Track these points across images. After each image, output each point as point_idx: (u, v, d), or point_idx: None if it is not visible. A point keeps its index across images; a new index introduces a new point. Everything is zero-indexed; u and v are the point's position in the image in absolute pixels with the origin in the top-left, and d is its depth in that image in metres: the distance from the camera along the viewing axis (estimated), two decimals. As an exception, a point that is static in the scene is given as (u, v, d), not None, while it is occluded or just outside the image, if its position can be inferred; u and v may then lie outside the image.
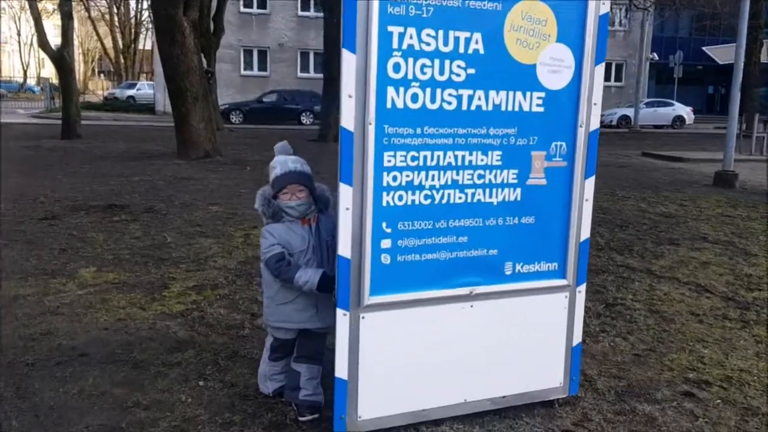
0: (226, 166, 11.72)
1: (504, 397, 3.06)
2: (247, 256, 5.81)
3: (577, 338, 3.17)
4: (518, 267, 3.00)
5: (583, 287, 3.14)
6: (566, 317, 3.13)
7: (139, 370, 3.45)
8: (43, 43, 16.64)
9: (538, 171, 2.96)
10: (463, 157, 2.81)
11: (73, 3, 59.74)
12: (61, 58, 16.76)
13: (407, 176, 2.71)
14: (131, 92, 47.91)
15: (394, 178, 2.69)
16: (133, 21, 61.68)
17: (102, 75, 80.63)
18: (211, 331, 4.03)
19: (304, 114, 33.93)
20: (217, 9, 20.19)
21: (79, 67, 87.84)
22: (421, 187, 2.74)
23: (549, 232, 3.02)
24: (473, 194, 2.85)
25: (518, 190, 2.94)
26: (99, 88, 64.91)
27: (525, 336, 3.04)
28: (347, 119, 2.58)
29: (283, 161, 3.05)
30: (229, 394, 3.21)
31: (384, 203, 2.68)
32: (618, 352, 3.83)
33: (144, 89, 47.76)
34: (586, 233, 3.08)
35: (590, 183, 3.06)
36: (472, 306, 2.91)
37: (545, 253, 3.04)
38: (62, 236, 6.44)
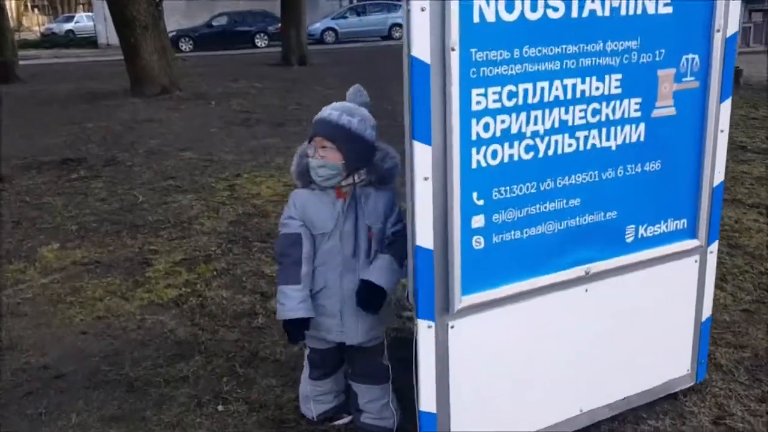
0: (188, 102, 10.58)
1: (624, 399, 2.36)
2: (238, 214, 4.94)
3: (707, 311, 2.46)
4: (641, 230, 2.23)
5: (715, 246, 2.40)
6: (696, 287, 2.40)
7: (136, 394, 2.65)
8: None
9: (665, 97, 2.14)
10: (574, 86, 1.97)
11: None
12: (-14, -7, 14.96)
13: (503, 122, 1.87)
14: (69, 26, 44.80)
15: (486, 127, 1.85)
16: (61, -54, 57.14)
17: (36, 10, 75.52)
18: (217, 323, 3.22)
19: (258, 36, 32.03)
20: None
21: (10, 4, 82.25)
22: (520, 136, 1.91)
23: (677, 180, 2.24)
24: (586, 138, 2.04)
25: (641, 127, 2.13)
26: (35, 24, 60.80)
27: (647, 318, 2.31)
28: (419, 44, 1.71)
29: (330, 108, 2.19)
30: (261, 420, 2.45)
31: (474, 164, 1.86)
32: (721, 308, 3.16)
33: (83, 21, 44.65)
34: (720, 176, 2.31)
35: (726, 108, 2.26)
36: (586, 290, 2.15)
37: (672, 207, 2.27)
38: (13, 204, 5.46)
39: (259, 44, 32.00)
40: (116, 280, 3.80)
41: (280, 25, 32.80)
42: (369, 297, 2.09)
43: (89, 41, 36.47)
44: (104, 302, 3.51)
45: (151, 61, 11.26)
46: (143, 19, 11.06)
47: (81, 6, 60.73)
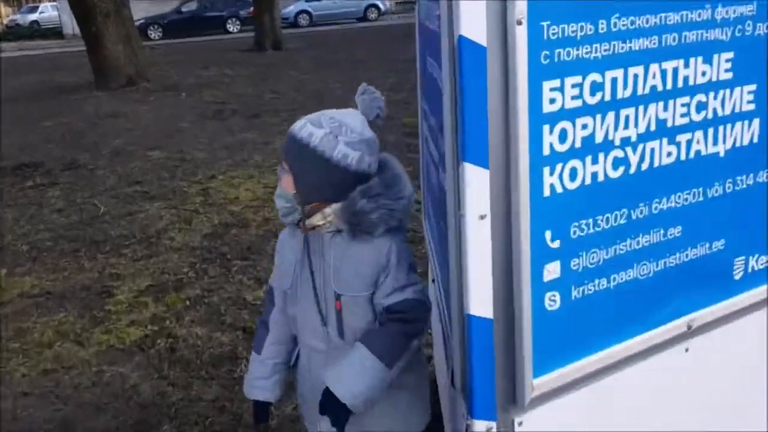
0: (156, 94, 9.85)
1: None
2: (214, 225, 4.33)
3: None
4: (752, 263, 1.66)
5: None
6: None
7: (87, 485, 2.07)
8: None
9: (787, 83, 1.57)
10: (675, 72, 1.39)
11: None
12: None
13: (584, 127, 1.29)
14: (34, 16, 43.36)
15: (563, 136, 1.26)
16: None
17: (1, 3, 73.22)
18: (191, 374, 2.63)
19: (229, 21, 31.02)
20: None
21: (-30, -5, 79.67)
22: (607, 146, 1.33)
23: (795, 191, 1.68)
24: (689, 144, 1.46)
25: (755, 124, 1.56)
26: (2, 16, 58.90)
27: (751, 378, 1.76)
28: (471, 19, 1.12)
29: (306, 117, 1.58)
30: None
31: (546, 191, 1.27)
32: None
33: (48, 11, 43.21)
34: None
35: None
36: (687, 350, 1.59)
37: (787, 228, 1.71)
38: (-44, 222, 4.80)
39: (231, 29, 31.04)
40: (70, 317, 3.18)
41: (252, 9, 32.10)
42: (330, 408, 1.44)
43: (54, 32, 35.26)
44: (54, 349, 2.90)
45: (115, 51, 10.50)
46: (104, 6, 10.27)
47: (46, -5, 58.95)
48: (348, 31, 23.05)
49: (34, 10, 46.00)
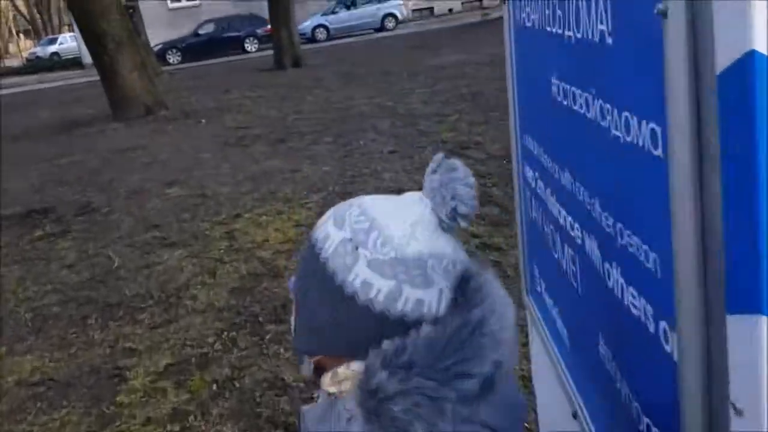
0: (175, 123, 9.38)
1: None
2: (241, 276, 3.75)
3: None
4: None
5: None
6: None
7: None
8: None
9: None
10: None
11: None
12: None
13: None
14: (54, 48, 43.86)
15: None
16: (38, -31, 56.06)
17: (21, 35, 74.56)
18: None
19: (247, 41, 30.84)
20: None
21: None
22: None
23: None
24: None
25: None
26: (22, 50, 59.84)
27: None
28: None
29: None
30: None
31: None
32: None
33: (67, 42, 43.69)
34: None
35: None
36: None
37: None
38: (-43, 284, 4.30)
39: (249, 49, 30.88)
40: (74, 416, 2.62)
41: (269, 27, 31.85)
42: None
43: (74, 62, 35.43)
44: (52, 464, 2.34)
45: (130, 79, 10.07)
46: (116, 33, 9.87)
47: (66, 27, 59.70)
48: (367, 43, 22.56)
49: (53, 41, 46.53)
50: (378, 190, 4.93)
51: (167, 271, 4.00)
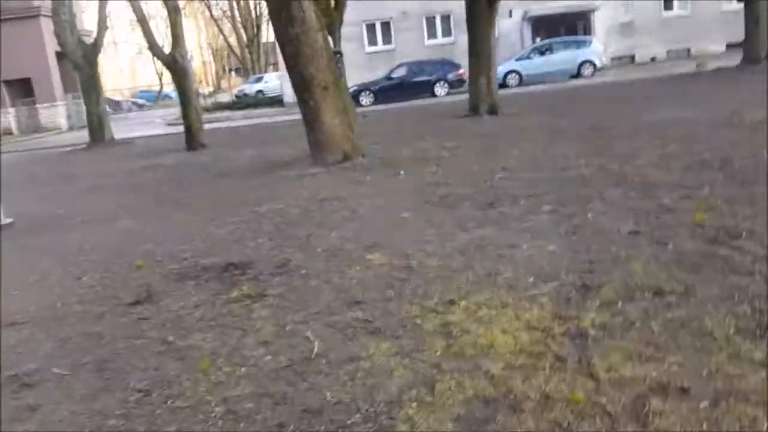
0: (372, 173, 9.00)
1: None
2: (467, 399, 2.94)
3: None
4: None
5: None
6: None
7: None
8: (152, 45, 14.86)
9: None
10: None
11: (194, 6, 60.40)
12: (173, 61, 14.88)
13: None
14: (259, 86, 47.62)
15: None
16: (253, 14, 61.50)
17: (233, 72, 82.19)
18: None
19: (437, 84, 31.04)
20: (338, -21, 17.42)
21: (212, 68, 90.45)
22: None
23: None
24: None
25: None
26: (232, 86, 65.82)
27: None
28: None
29: None
30: None
31: None
32: None
33: (272, 81, 47.27)
34: None
35: None
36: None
37: None
38: (147, 351, 3.95)
39: (438, 93, 31.10)
40: None
41: (461, 71, 31.75)
42: None
43: (276, 100, 37.93)
44: None
45: (332, 125, 9.94)
46: (323, 77, 9.80)
47: (272, 66, 64.69)
48: (565, 91, 21.42)
49: (259, 80, 50.50)
50: (627, 288, 3.94)
51: (374, 371, 3.32)
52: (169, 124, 30.80)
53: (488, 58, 15.37)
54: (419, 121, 15.91)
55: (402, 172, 8.62)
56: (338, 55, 16.50)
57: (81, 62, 17.61)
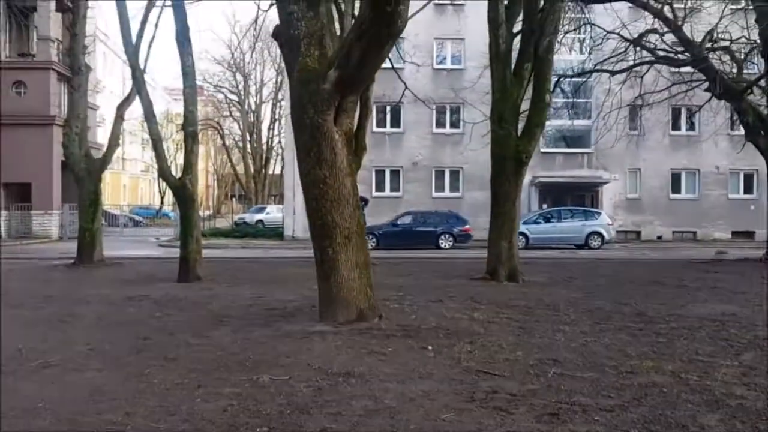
0: (394, 341, 7.71)
1: None
2: None
3: None
4: None
5: None
6: None
7: None
8: (163, 170, 14.10)
9: None
10: None
11: (208, 132, 61.77)
12: (183, 187, 14.04)
13: None
14: (260, 216, 47.37)
15: None
16: (264, 147, 62.82)
17: (234, 199, 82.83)
18: None
19: (442, 237, 30.52)
20: (359, 126, 16.98)
21: (214, 193, 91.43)
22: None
23: None
24: None
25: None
26: (231, 212, 65.72)
27: None
28: None
29: None
30: None
31: None
32: None
33: (273, 213, 47.10)
34: None
35: None
36: None
37: None
38: None
39: (443, 245, 30.53)
40: None
41: (467, 227, 31.31)
42: None
43: (276, 232, 37.29)
44: None
45: (350, 278, 8.80)
46: (348, 226, 8.81)
47: (273, 198, 65.11)
48: (580, 262, 20.62)
49: (261, 210, 50.32)
50: None
51: None
52: (161, 246, 29.77)
53: (512, 222, 14.59)
54: (433, 279, 14.83)
55: (430, 348, 7.33)
56: (363, 203, 15.75)
57: (84, 176, 16.81)
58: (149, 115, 14.40)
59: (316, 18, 8.79)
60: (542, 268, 17.68)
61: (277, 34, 9.30)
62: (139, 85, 14.76)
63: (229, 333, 8.29)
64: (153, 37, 17.18)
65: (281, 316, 9.62)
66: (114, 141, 17.63)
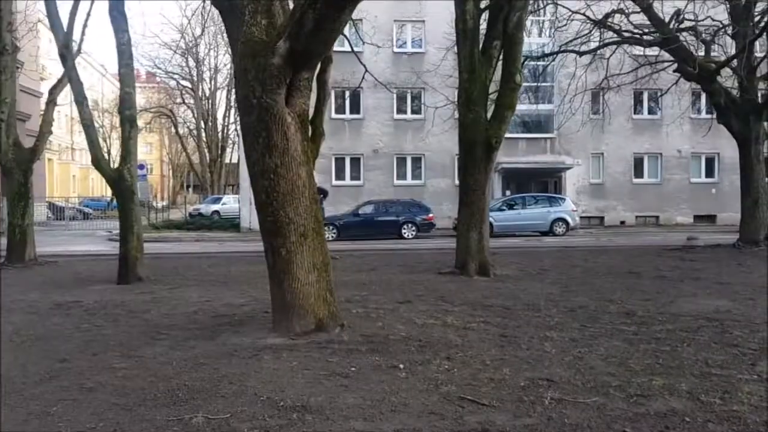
0: (357, 357, 6.58)
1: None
2: None
3: None
4: None
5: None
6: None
7: None
8: (97, 158, 12.63)
9: None
10: None
11: (161, 120, 59.62)
12: (120, 178, 12.62)
13: None
14: (216, 207, 45.74)
15: None
16: (220, 135, 60.82)
17: (189, 189, 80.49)
18: None
19: (405, 226, 29.55)
20: (317, 110, 15.67)
21: (170, 183, 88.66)
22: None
23: None
24: None
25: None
26: (187, 202, 63.69)
27: None
28: None
29: None
30: None
31: None
32: None
33: (230, 203, 45.52)
34: None
35: None
36: None
37: None
38: None
39: (406, 235, 29.60)
40: None
41: (430, 215, 30.38)
42: None
43: (232, 224, 35.83)
44: None
45: (306, 282, 7.64)
46: (303, 222, 7.64)
47: (231, 188, 63.17)
48: (549, 251, 19.88)
49: (217, 200, 48.54)
50: None
51: None
52: (111, 239, 28.09)
53: (482, 212, 13.61)
54: (399, 274, 13.75)
55: (402, 366, 6.23)
56: (322, 196, 14.57)
57: (12, 167, 15.19)
58: (79, 98, 12.90)
59: (263, -20, 7.55)
60: (511, 258, 16.79)
61: (217, 0, 8.02)
62: (66, 65, 13.23)
63: (165, 350, 7.06)
64: (88, 14, 15.61)
65: (229, 324, 8.42)
66: (46, 128, 16.02)
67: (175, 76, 59.50)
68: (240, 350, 6.96)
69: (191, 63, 57.54)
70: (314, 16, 6.84)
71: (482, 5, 14.28)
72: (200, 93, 58.60)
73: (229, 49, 54.51)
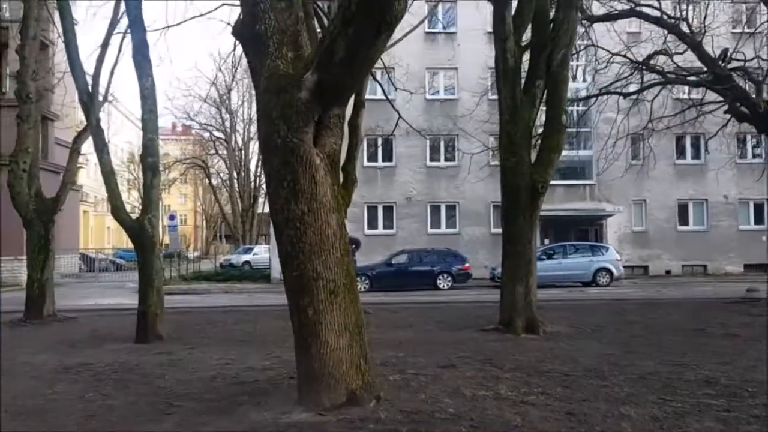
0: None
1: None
2: None
3: None
4: None
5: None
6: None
7: None
8: (116, 208, 11.93)
9: None
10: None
11: (195, 171, 59.51)
12: (141, 229, 11.87)
13: None
14: (247, 257, 45.24)
15: None
16: (252, 185, 60.85)
17: (222, 239, 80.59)
18: None
19: (440, 277, 28.37)
20: (349, 156, 14.86)
21: (203, 233, 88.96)
22: None
23: None
24: None
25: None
26: (220, 253, 63.39)
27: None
28: None
29: None
30: None
31: None
32: None
33: (261, 254, 44.99)
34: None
35: None
36: None
37: None
38: None
39: (441, 285, 28.40)
40: None
41: (466, 265, 29.19)
42: None
43: (262, 274, 35.09)
44: None
45: (337, 348, 6.61)
46: (333, 277, 6.67)
47: (263, 237, 62.79)
48: (599, 305, 18.52)
49: (249, 251, 47.98)
50: None
51: None
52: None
53: (528, 263, 12.50)
54: (439, 331, 12.65)
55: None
56: (354, 246, 13.65)
57: (33, 219, 14.62)
58: (100, 146, 12.32)
59: (290, 9, 6.81)
60: (558, 312, 15.50)
61: (238, 31, 7.28)
62: (87, 111, 12.72)
63: (173, 428, 6.06)
64: (116, 62, 15.25)
65: (249, 395, 7.40)
66: (69, 178, 15.51)
67: (209, 128, 60.09)
68: (259, 429, 5.93)
69: (224, 114, 58.12)
70: (346, 44, 6.01)
71: (523, 44, 13.47)
72: (233, 144, 58.97)
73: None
